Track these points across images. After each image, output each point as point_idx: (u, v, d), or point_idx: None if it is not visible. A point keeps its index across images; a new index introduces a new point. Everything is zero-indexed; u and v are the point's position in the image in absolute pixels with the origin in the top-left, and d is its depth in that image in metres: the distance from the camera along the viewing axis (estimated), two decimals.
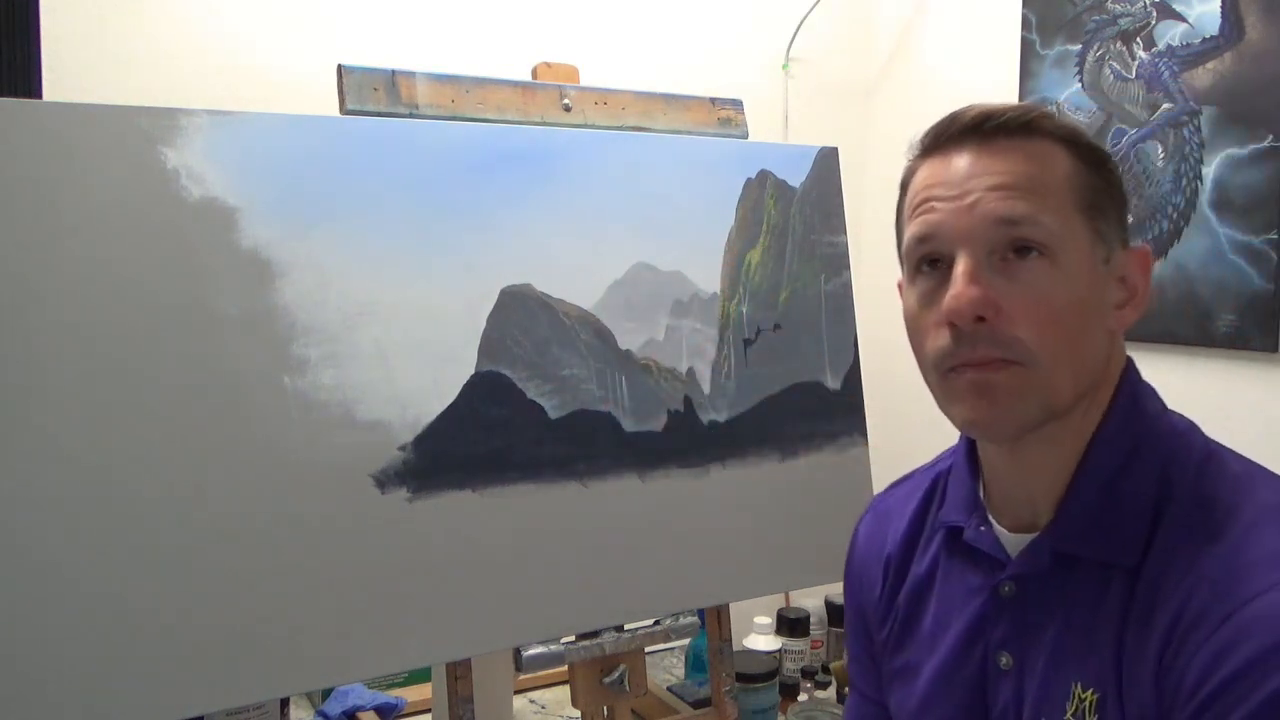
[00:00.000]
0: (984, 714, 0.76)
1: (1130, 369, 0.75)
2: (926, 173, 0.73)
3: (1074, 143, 0.71)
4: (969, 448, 0.82)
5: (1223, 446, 0.73)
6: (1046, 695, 0.71)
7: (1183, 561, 0.66)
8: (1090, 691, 0.68)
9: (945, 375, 0.71)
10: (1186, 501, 0.68)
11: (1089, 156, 0.72)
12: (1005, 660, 0.74)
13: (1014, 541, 0.76)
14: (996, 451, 0.75)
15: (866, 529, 0.93)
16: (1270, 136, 1.28)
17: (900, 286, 0.79)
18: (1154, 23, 1.41)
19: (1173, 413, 0.75)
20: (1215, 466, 0.70)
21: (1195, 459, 0.71)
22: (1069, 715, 0.69)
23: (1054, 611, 0.72)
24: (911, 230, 0.72)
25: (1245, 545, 0.64)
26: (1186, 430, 0.74)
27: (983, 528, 0.78)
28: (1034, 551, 0.73)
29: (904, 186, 0.77)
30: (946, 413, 0.74)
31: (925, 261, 0.72)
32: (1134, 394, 0.74)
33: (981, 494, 0.80)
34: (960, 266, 0.68)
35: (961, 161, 0.70)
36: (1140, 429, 0.72)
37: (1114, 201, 0.72)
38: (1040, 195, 0.68)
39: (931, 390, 0.74)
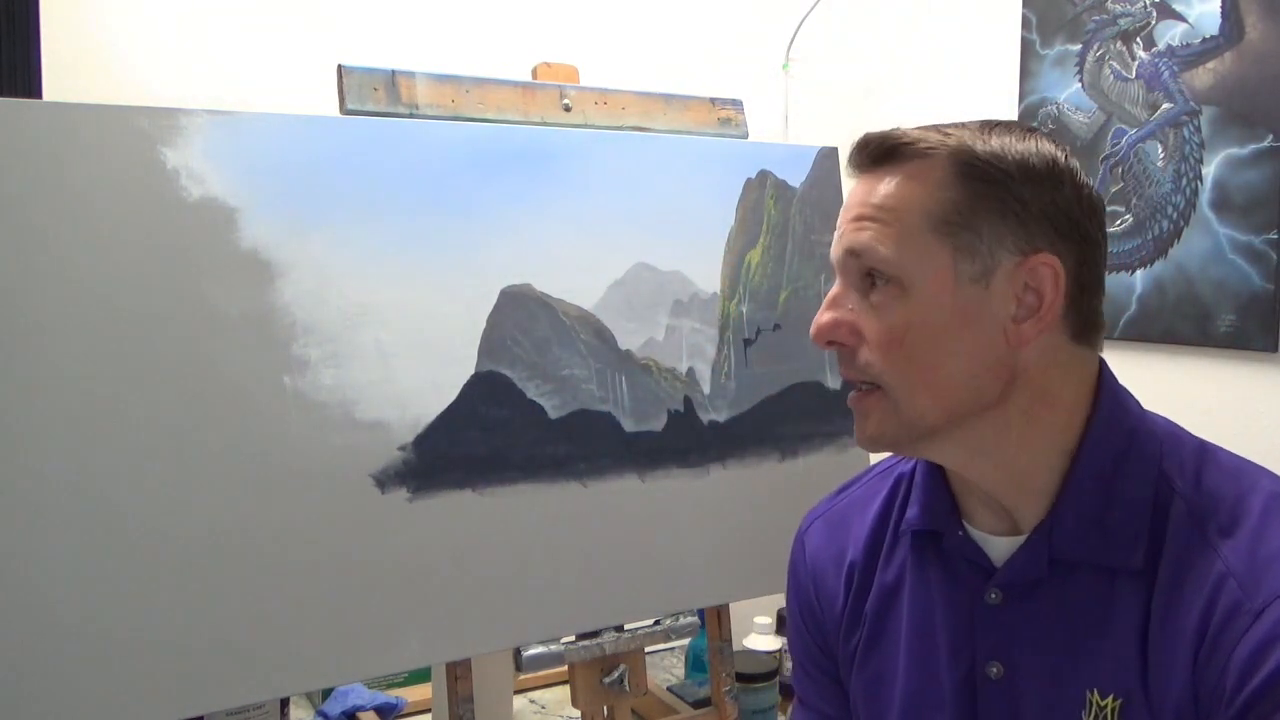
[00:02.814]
0: None
1: (1105, 372, 0.73)
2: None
3: (958, 158, 0.69)
4: None
5: (1208, 441, 0.73)
6: (1054, 704, 0.69)
7: (1201, 558, 0.65)
8: (1111, 698, 0.67)
9: None
10: (1192, 497, 0.68)
11: (973, 171, 0.68)
12: (995, 670, 0.72)
13: (996, 546, 0.74)
14: (941, 457, 0.75)
15: (818, 537, 0.89)
16: (1270, 136, 1.28)
17: None
18: (1154, 23, 1.41)
19: (1152, 413, 0.74)
20: (1211, 461, 0.70)
21: (1189, 455, 0.70)
22: None
23: (1052, 618, 0.70)
24: None
25: (1264, 537, 0.64)
26: (1172, 428, 0.73)
27: (960, 532, 0.76)
28: (1027, 558, 0.71)
29: None
30: None
31: None
32: (1115, 396, 0.73)
33: (954, 496, 0.78)
34: (829, 293, 0.72)
35: (854, 190, 0.74)
36: (1128, 428, 0.71)
37: (1000, 214, 0.68)
38: (886, 223, 0.69)
39: None
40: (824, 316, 0.71)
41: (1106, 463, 0.70)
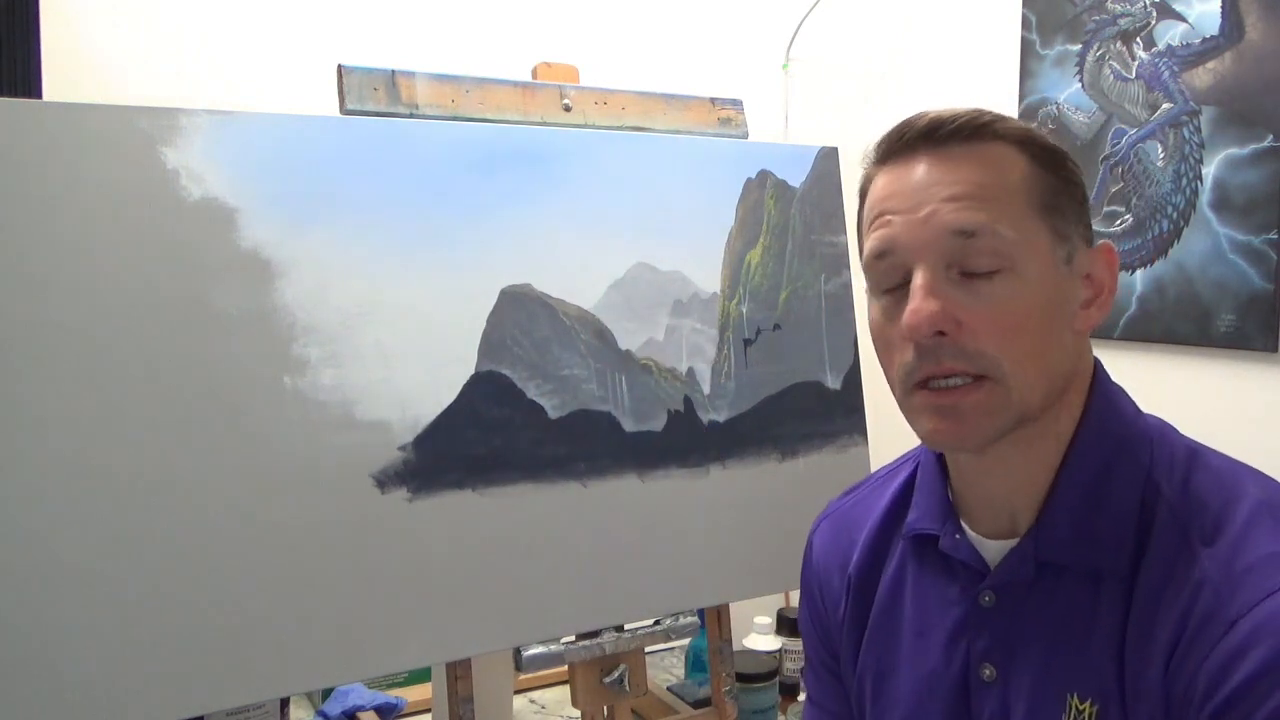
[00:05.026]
0: None
1: (1100, 370, 0.73)
2: (883, 182, 0.71)
3: (1029, 143, 0.69)
4: (938, 453, 0.80)
5: (1200, 444, 0.72)
6: (1037, 708, 0.69)
7: (1182, 565, 0.65)
8: (1089, 703, 0.67)
9: (910, 391, 0.69)
10: (1177, 504, 0.67)
11: (1045, 156, 0.70)
12: (989, 672, 0.73)
13: (992, 549, 0.74)
14: (966, 458, 0.74)
15: (823, 537, 0.90)
16: (1270, 136, 1.27)
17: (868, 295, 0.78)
18: (1154, 23, 1.41)
19: (1146, 414, 0.74)
20: (1200, 466, 0.69)
21: (1179, 459, 0.70)
22: None
23: (1040, 621, 0.70)
24: (868, 245, 0.71)
25: (1243, 547, 0.63)
26: (1164, 430, 0.73)
27: (958, 535, 0.75)
28: (1016, 560, 0.71)
29: (862, 195, 0.75)
30: (912, 425, 0.73)
31: (884, 275, 0.71)
32: (1108, 396, 0.72)
33: (952, 499, 0.77)
34: (918, 280, 0.67)
35: (916, 171, 0.69)
36: (1119, 432, 0.71)
37: (1073, 199, 0.70)
38: (997, 202, 0.67)
39: (898, 403, 0.73)
40: (927, 305, 0.66)
41: (1096, 464, 0.70)
